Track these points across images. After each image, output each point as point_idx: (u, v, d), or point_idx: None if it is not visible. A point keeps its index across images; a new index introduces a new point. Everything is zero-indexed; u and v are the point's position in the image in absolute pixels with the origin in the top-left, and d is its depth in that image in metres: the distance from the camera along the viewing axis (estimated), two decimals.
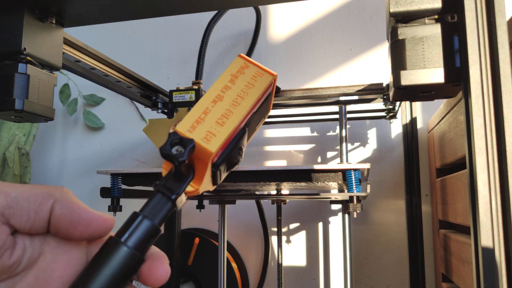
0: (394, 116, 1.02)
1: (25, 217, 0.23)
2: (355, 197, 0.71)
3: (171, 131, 0.27)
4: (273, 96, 0.32)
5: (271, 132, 1.23)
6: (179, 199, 0.26)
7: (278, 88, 0.86)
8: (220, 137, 0.26)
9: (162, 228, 0.28)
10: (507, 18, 0.37)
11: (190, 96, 0.90)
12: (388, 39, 0.43)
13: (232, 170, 0.30)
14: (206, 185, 0.28)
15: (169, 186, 0.26)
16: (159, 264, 0.25)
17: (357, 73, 1.18)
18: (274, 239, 1.19)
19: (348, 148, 1.03)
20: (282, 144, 1.22)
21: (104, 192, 0.80)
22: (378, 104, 0.98)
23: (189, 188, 0.26)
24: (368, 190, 0.71)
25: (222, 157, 0.27)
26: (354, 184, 0.69)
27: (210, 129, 0.26)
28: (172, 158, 0.24)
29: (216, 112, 0.27)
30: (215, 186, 0.30)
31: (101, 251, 0.24)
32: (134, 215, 0.25)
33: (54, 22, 0.55)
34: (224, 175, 0.30)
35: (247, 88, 0.29)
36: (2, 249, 0.22)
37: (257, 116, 0.30)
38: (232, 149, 0.28)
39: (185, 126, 0.26)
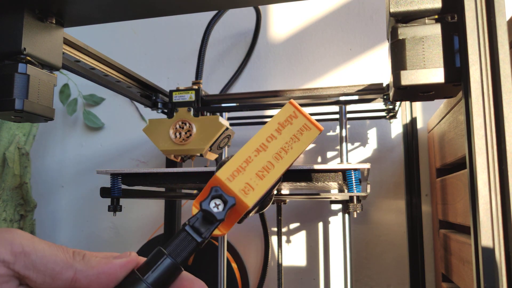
0: (394, 116, 1.02)
1: (40, 281, 0.23)
2: (355, 197, 0.71)
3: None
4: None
5: None
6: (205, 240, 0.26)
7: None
8: (258, 192, 0.26)
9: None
10: (507, 18, 0.37)
11: (190, 96, 0.90)
12: (388, 39, 0.43)
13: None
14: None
15: (198, 228, 0.26)
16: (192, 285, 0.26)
17: (357, 73, 1.18)
18: (274, 239, 1.19)
19: (348, 148, 1.03)
20: None
21: (104, 192, 0.80)
22: (378, 104, 0.98)
23: (216, 232, 0.26)
24: (368, 190, 0.71)
25: (255, 205, 0.27)
26: (354, 184, 0.69)
27: (249, 181, 0.26)
28: (212, 216, 0.24)
29: (258, 163, 0.26)
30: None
31: (122, 285, 0.24)
32: (159, 253, 0.25)
33: (54, 22, 0.55)
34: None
35: (292, 142, 0.27)
36: None
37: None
38: (265, 198, 0.27)
39: (225, 173, 0.26)
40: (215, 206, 0.25)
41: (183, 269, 0.25)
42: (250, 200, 0.25)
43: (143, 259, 0.25)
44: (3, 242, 0.23)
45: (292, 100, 0.29)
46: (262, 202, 0.28)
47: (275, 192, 0.29)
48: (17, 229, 0.24)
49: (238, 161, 0.26)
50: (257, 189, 0.26)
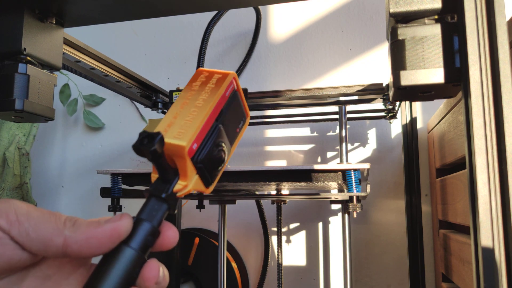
0: (394, 116, 1.02)
1: (34, 248, 0.24)
2: (355, 197, 0.71)
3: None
4: (243, 95, 0.34)
5: (271, 132, 1.23)
6: (172, 199, 0.28)
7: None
8: (189, 132, 0.28)
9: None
10: (507, 18, 0.37)
11: None
12: (388, 40, 0.43)
13: (221, 169, 0.31)
14: (196, 183, 0.29)
15: (159, 188, 0.28)
16: (168, 229, 0.27)
17: (357, 73, 1.18)
18: (274, 239, 1.19)
19: (348, 148, 1.03)
20: (282, 144, 1.22)
21: (104, 192, 0.81)
22: (378, 104, 0.98)
23: (177, 187, 0.28)
24: (368, 190, 0.71)
25: (202, 153, 0.29)
26: (354, 184, 0.69)
27: (180, 129, 0.28)
28: (143, 150, 0.26)
29: (184, 114, 0.29)
30: (210, 188, 0.31)
31: (109, 254, 0.25)
32: (138, 220, 0.27)
33: (54, 22, 0.55)
34: (216, 175, 0.31)
35: (209, 89, 0.31)
36: (17, 260, 0.24)
37: (231, 116, 0.32)
38: (210, 145, 0.29)
39: (159, 130, 0.28)
40: (145, 144, 0.26)
41: (160, 231, 0.27)
42: (184, 139, 0.27)
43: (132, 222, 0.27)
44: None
45: (200, 68, 0.33)
46: (211, 153, 0.29)
47: (225, 144, 0.31)
48: (13, 199, 0.25)
49: (168, 119, 0.29)
50: (189, 130, 0.28)
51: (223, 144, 0.31)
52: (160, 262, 0.27)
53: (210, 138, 0.29)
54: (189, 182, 0.28)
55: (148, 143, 0.25)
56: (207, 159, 0.29)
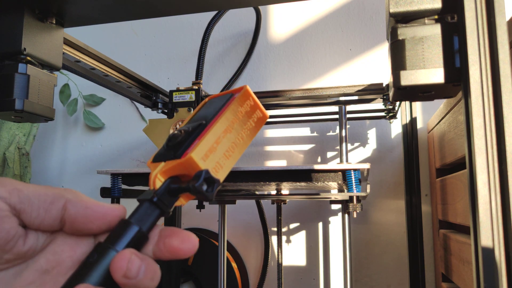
0: (394, 116, 1.02)
1: (35, 214, 0.25)
2: (355, 197, 0.71)
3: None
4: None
5: (271, 132, 1.23)
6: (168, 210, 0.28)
7: None
8: (226, 170, 0.28)
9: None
10: (507, 18, 0.37)
11: (190, 96, 0.90)
12: (388, 40, 0.43)
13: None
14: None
15: (162, 199, 0.27)
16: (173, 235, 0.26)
17: (357, 73, 1.18)
18: (274, 239, 1.19)
19: (348, 148, 1.03)
20: (282, 144, 1.22)
21: (104, 192, 0.81)
22: (378, 104, 0.98)
23: (178, 203, 0.28)
24: (368, 190, 0.71)
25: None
26: (354, 184, 0.69)
27: (219, 160, 0.28)
28: (203, 196, 0.26)
29: (225, 143, 0.29)
30: None
31: (90, 255, 0.25)
32: (125, 223, 0.26)
33: (54, 22, 0.55)
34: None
35: (250, 125, 0.31)
36: (15, 237, 0.24)
37: None
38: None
39: (200, 153, 0.27)
40: (206, 190, 0.26)
41: (148, 237, 0.26)
42: (221, 177, 0.28)
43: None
44: None
45: (247, 86, 0.32)
46: None
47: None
48: (8, 178, 0.26)
49: (211, 141, 0.28)
50: (225, 168, 0.28)
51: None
52: (138, 255, 0.25)
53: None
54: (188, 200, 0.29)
55: (210, 194, 0.26)
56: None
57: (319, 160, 1.19)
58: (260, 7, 1.21)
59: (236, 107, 0.30)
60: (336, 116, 1.05)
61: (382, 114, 1.03)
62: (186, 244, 0.26)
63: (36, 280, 0.25)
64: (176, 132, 0.29)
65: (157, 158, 0.29)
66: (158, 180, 0.28)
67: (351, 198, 0.71)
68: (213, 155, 0.28)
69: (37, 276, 0.25)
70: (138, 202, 0.27)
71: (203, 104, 0.34)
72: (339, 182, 0.69)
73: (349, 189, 0.69)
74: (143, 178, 0.79)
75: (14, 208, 0.24)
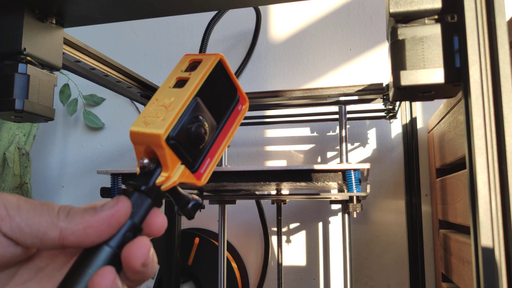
0: (394, 116, 1.02)
1: (28, 242, 0.23)
2: (355, 197, 0.71)
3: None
4: (232, 74, 0.31)
5: (271, 132, 1.23)
6: (156, 192, 0.26)
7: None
8: (167, 119, 0.26)
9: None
10: (507, 18, 0.37)
11: None
12: (388, 39, 0.43)
13: (203, 147, 0.28)
14: (182, 174, 0.27)
15: (140, 182, 0.26)
16: (155, 216, 0.26)
17: (357, 73, 1.18)
18: (274, 239, 1.19)
19: (348, 148, 1.03)
20: (282, 144, 1.22)
21: (104, 192, 0.80)
22: (378, 104, 0.98)
23: (160, 179, 0.26)
24: (368, 190, 0.71)
25: (175, 129, 0.26)
26: (354, 184, 0.69)
27: (157, 116, 0.26)
28: (186, 216, 0.27)
29: (166, 100, 0.27)
30: (203, 180, 0.29)
31: (84, 252, 0.25)
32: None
33: (54, 22, 0.55)
34: (199, 155, 0.28)
35: (194, 73, 0.28)
36: (11, 259, 0.24)
37: (214, 90, 0.29)
38: (185, 120, 0.27)
39: (137, 123, 0.26)
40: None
41: (142, 229, 0.26)
42: (161, 128, 0.25)
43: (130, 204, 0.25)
44: None
45: (186, 54, 0.30)
46: (186, 128, 0.26)
47: (204, 118, 0.28)
48: (3, 193, 0.24)
49: (149, 107, 0.27)
50: (168, 117, 0.26)
51: (202, 118, 0.28)
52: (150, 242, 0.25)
53: (185, 113, 0.27)
54: (171, 172, 0.26)
55: (192, 215, 0.27)
56: (182, 135, 0.26)
57: (319, 160, 1.19)
58: (260, 7, 1.21)
59: (174, 71, 0.29)
60: (336, 116, 1.05)
61: (382, 114, 1.03)
62: (162, 221, 0.27)
63: (32, 278, 0.25)
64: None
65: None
66: (138, 168, 0.27)
67: (351, 198, 0.71)
68: (151, 114, 0.26)
69: (32, 274, 0.25)
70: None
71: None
72: (339, 182, 0.69)
73: (349, 189, 0.69)
74: None
75: (5, 235, 0.23)
